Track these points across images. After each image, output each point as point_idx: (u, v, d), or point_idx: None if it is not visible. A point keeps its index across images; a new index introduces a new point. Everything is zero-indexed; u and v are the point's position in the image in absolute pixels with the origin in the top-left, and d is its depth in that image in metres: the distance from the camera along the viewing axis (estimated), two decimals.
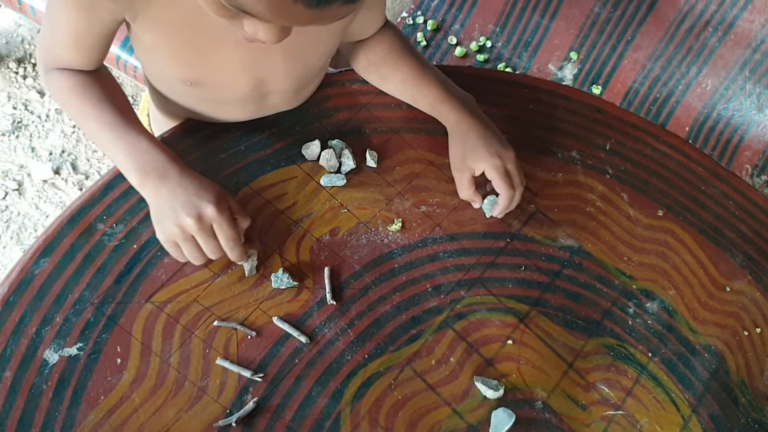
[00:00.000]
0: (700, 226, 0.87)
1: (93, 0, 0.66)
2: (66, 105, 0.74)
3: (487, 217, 0.81)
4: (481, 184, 0.81)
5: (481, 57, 1.47)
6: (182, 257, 0.71)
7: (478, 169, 0.79)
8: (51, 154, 1.62)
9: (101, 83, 0.74)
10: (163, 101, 0.86)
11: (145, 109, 1.03)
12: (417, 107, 0.86)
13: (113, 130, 0.71)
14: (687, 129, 1.41)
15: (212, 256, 0.70)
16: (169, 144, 0.79)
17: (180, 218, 0.68)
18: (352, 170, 0.81)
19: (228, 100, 0.78)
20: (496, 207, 0.80)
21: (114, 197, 0.75)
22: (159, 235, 0.71)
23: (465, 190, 0.81)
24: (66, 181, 1.60)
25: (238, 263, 0.73)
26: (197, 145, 0.79)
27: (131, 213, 0.74)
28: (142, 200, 0.75)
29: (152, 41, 0.72)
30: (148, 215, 0.74)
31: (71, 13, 0.68)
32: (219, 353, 0.70)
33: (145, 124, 1.02)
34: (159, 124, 0.95)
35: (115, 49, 1.21)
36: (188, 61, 0.73)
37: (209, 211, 0.68)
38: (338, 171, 0.81)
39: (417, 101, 0.85)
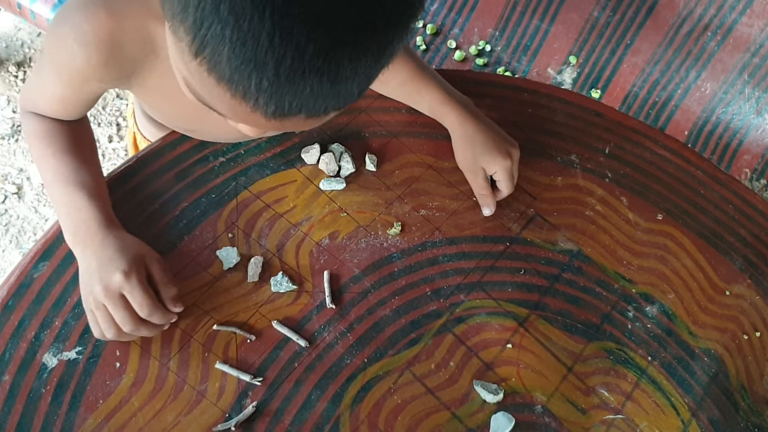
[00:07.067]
0: (700, 230, 0.87)
1: (83, 80, 0.66)
2: (33, 149, 0.73)
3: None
4: None
5: (480, 61, 1.47)
6: (97, 328, 0.66)
7: (490, 170, 0.81)
8: None
9: (72, 131, 0.73)
10: (153, 121, 0.88)
11: (131, 109, 1.03)
12: (416, 109, 0.86)
13: (62, 183, 0.70)
14: (686, 133, 1.42)
15: (124, 327, 0.64)
16: (167, 149, 0.79)
17: (92, 285, 0.65)
18: (351, 174, 0.81)
19: (221, 140, 0.80)
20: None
21: (111, 202, 0.74)
22: (83, 302, 0.67)
23: (483, 190, 0.81)
24: None
25: (162, 325, 0.68)
26: (196, 148, 0.79)
27: (129, 217, 0.74)
28: (139, 204, 0.75)
29: (149, 104, 0.74)
30: (143, 221, 0.74)
31: (58, 84, 0.68)
32: (218, 357, 0.69)
33: (131, 124, 1.03)
34: (147, 128, 0.97)
35: None
36: (185, 117, 0.74)
37: (116, 278, 0.64)
38: (338, 175, 0.81)
39: (417, 103, 0.85)
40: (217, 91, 0.45)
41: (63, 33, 0.63)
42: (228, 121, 0.54)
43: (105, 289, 0.64)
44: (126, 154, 1.63)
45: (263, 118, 0.45)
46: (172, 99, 0.70)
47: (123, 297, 0.65)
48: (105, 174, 0.76)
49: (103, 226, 0.68)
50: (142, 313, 0.65)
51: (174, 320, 0.68)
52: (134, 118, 1.00)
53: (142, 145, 1.00)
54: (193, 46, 0.43)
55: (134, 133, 1.02)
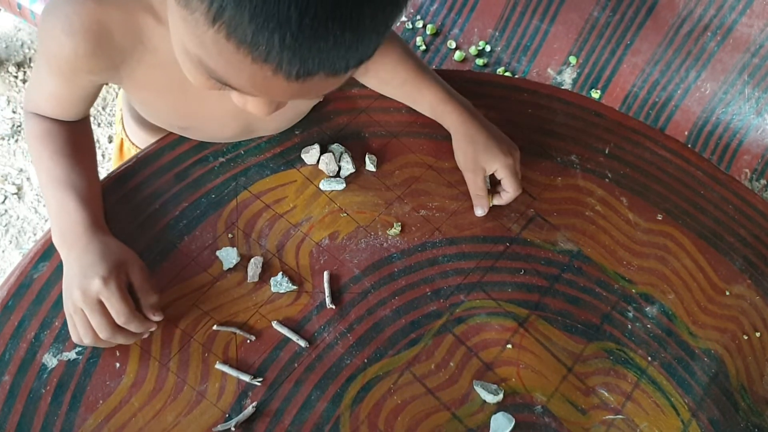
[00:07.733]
0: (700, 230, 0.87)
1: (72, 71, 0.65)
2: (31, 149, 0.73)
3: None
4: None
5: (480, 61, 1.47)
6: (76, 333, 0.65)
7: (491, 169, 0.80)
8: None
9: (70, 133, 0.73)
10: (145, 122, 0.87)
11: (119, 112, 1.03)
12: (416, 109, 0.86)
13: (54, 185, 0.69)
14: (686, 133, 1.42)
15: (100, 333, 0.64)
16: (166, 149, 0.79)
17: (72, 290, 0.65)
18: (351, 174, 0.81)
19: (216, 139, 0.80)
20: (498, 200, 0.82)
21: (111, 203, 0.75)
22: (64, 306, 0.67)
23: (480, 190, 0.81)
24: None
25: (142, 333, 0.67)
26: (196, 148, 0.79)
27: (130, 217, 0.74)
28: (139, 204, 0.75)
29: (140, 98, 0.73)
30: (143, 221, 0.74)
31: (51, 77, 0.68)
32: (218, 357, 0.69)
33: (119, 131, 1.02)
34: (135, 132, 0.96)
35: None
36: (178, 113, 0.74)
37: (95, 284, 0.64)
38: (337, 175, 0.81)
39: (417, 103, 0.85)
40: (237, 58, 0.44)
41: (51, 24, 0.63)
42: (234, 100, 0.53)
43: (83, 294, 0.64)
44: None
45: (285, 80, 0.45)
46: (161, 93, 0.70)
47: (101, 303, 0.64)
48: (105, 174, 0.76)
49: (89, 230, 0.68)
50: (119, 320, 0.64)
51: (153, 329, 0.67)
52: (122, 123, 1.00)
53: (131, 151, 0.99)
54: (210, 13, 0.42)
55: (122, 139, 1.01)
